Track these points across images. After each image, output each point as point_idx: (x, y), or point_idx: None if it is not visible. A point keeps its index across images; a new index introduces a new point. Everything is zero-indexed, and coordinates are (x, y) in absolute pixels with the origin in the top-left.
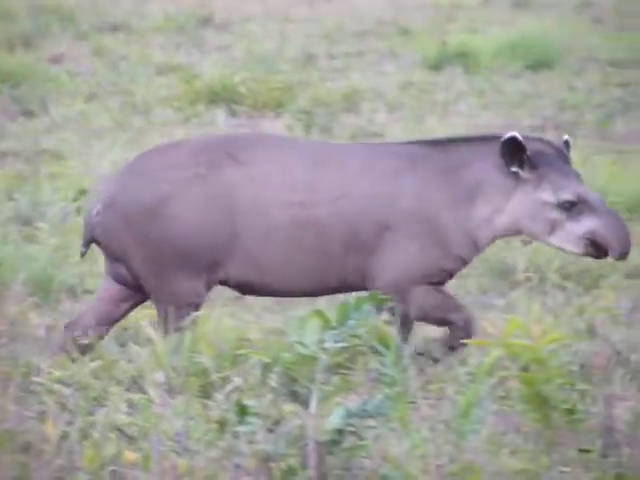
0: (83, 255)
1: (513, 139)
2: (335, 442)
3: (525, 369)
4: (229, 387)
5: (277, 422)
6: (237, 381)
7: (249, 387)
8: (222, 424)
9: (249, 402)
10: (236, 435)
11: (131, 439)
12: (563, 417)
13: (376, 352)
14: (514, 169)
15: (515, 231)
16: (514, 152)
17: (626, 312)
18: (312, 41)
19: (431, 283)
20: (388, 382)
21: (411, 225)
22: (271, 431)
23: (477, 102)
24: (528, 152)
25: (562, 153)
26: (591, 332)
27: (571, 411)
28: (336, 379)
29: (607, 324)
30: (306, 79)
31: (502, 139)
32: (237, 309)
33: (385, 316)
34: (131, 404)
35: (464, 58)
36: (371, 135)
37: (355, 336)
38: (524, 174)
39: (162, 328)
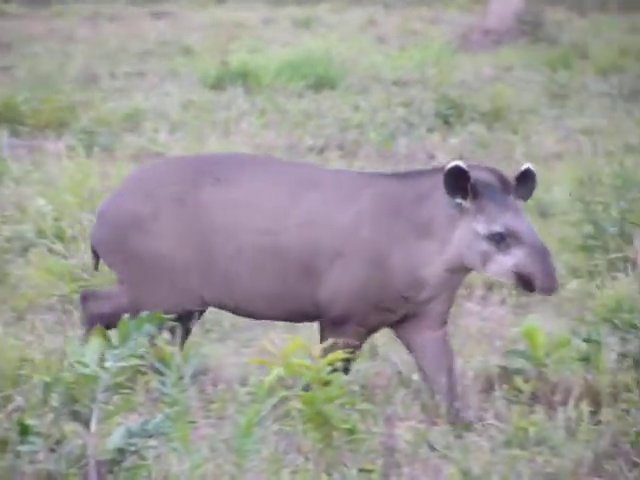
0: (95, 268)
1: (457, 168)
2: (116, 461)
3: (306, 389)
4: (10, 407)
5: (58, 441)
6: (19, 401)
7: (30, 407)
8: (3, 443)
9: (30, 421)
10: (18, 454)
11: None
12: (344, 437)
13: (157, 372)
14: (458, 200)
15: (461, 264)
16: (458, 182)
17: None
18: (95, 61)
19: (373, 324)
20: (169, 402)
21: (362, 255)
22: (52, 450)
23: (258, 121)
24: (472, 181)
25: (505, 183)
26: (372, 352)
27: (352, 431)
28: (117, 399)
29: (388, 344)
30: (88, 99)
31: (445, 169)
32: (19, 329)
33: (166, 336)
34: None
35: (245, 77)
36: (153, 155)
37: (136, 356)
38: (466, 204)
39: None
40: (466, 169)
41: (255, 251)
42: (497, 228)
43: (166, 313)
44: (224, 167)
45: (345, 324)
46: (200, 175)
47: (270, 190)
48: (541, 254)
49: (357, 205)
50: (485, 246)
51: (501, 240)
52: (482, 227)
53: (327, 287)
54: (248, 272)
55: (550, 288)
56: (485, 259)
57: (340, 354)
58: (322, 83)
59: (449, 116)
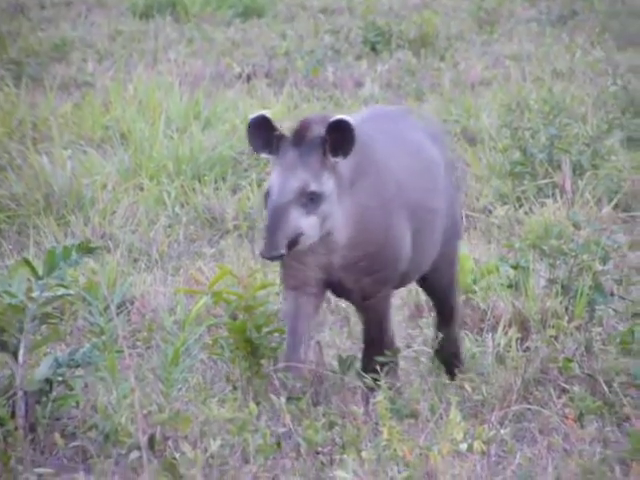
0: None
1: (262, 119)
2: (44, 392)
3: (234, 317)
4: None
5: None
6: None
7: None
8: None
9: None
10: None
11: None
12: (272, 365)
13: (84, 301)
14: (264, 154)
15: None
16: (262, 134)
17: None
18: None
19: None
20: (96, 331)
21: None
22: None
23: (186, 50)
24: (277, 134)
25: (302, 137)
26: None
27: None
28: (45, 328)
29: None
30: (16, 29)
31: (249, 120)
32: None
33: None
34: None
35: (173, 6)
36: (81, 84)
37: (63, 285)
38: (270, 158)
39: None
40: (271, 119)
41: None
42: (266, 187)
43: None
44: None
45: None
46: None
47: None
48: (268, 219)
49: None
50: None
51: (266, 199)
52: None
53: None
54: None
55: (262, 252)
56: None
57: (267, 282)
58: (249, 11)
59: (376, 43)
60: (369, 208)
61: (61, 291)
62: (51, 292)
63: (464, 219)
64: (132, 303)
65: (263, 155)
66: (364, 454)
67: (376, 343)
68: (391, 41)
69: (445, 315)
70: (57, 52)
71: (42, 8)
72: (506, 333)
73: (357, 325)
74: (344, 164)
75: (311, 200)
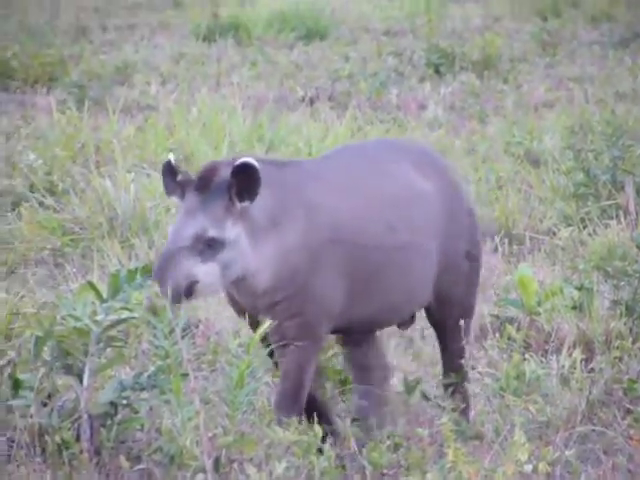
0: None
1: (167, 164)
2: (109, 415)
3: None
4: (2, 361)
5: (51, 395)
6: (11, 355)
7: (22, 361)
8: None
9: (22, 376)
10: (10, 409)
11: None
12: (337, 387)
13: (149, 324)
14: (175, 198)
15: None
16: (172, 178)
17: None
18: (84, 14)
19: None
20: (161, 354)
21: None
22: (45, 404)
23: (249, 73)
24: (180, 179)
25: (205, 181)
26: None
27: (345, 381)
28: (109, 352)
29: None
30: (79, 52)
31: (163, 164)
32: (10, 283)
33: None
34: None
35: (236, 29)
36: (144, 108)
37: (127, 308)
38: (179, 203)
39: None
40: (174, 165)
41: None
42: None
43: None
44: None
45: None
46: None
47: None
48: (155, 266)
49: None
50: None
51: None
52: None
53: None
54: None
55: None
56: None
57: None
58: (312, 34)
59: (440, 65)
60: (292, 251)
61: (125, 314)
62: (115, 315)
63: (527, 241)
64: (197, 326)
65: (174, 199)
66: (429, 476)
67: (283, 394)
68: (454, 63)
69: (447, 360)
70: (120, 75)
71: (104, 31)
72: (570, 354)
73: (422, 348)
74: (263, 207)
75: (209, 247)
